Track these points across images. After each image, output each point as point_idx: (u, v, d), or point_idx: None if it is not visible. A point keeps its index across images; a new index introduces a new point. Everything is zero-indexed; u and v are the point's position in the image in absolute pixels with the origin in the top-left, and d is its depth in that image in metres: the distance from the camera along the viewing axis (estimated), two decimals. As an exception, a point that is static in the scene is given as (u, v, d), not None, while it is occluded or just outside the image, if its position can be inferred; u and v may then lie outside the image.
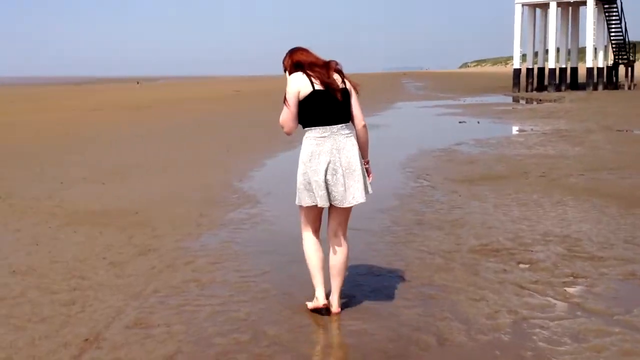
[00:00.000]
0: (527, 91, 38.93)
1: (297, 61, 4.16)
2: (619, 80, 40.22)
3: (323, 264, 4.31)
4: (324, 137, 4.05)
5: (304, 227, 4.33)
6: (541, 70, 41.27)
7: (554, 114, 21.70)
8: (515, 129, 17.78)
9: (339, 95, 4.08)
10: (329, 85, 4.06)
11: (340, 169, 4.04)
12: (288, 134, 4.25)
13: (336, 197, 4.07)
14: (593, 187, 8.54)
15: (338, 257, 4.27)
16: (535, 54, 41.06)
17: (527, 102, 30.61)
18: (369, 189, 4.25)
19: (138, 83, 77.17)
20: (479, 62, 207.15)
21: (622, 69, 40.42)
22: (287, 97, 4.11)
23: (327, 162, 4.03)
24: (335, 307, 4.28)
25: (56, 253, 5.73)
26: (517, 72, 40.06)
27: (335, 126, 4.07)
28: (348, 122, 4.18)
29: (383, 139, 15.52)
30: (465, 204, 7.75)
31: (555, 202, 7.71)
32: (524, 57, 40.66)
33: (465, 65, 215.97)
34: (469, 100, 32.16)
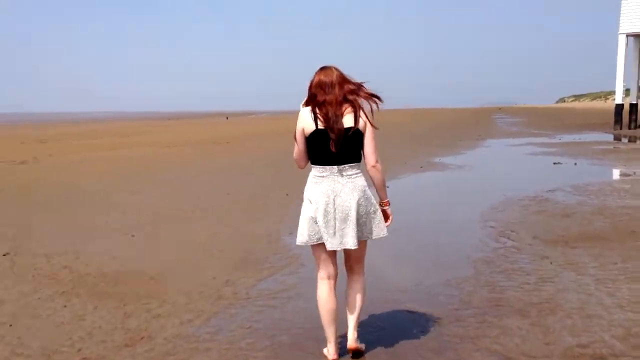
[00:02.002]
0: (629, 129, 35.87)
1: (314, 93, 3.99)
2: None
3: (336, 317, 4.13)
4: (323, 176, 4.02)
5: (317, 271, 4.22)
6: (646, 106, 38.05)
7: (663, 155, 19.28)
8: (618, 173, 15.65)
9: (339, 139, 3.91)
10: (332, 124, 3.90)
11: (332, 211, 3.96)
12: (301, 169, 4.23)
13: (327, 239, 3.98)
14: None
15: (352, 293, 4.20)
16: (640, 89, 37.94)
17: (630, 141, 27.92)
18: (382, 232, 4.13)
19: (227, 118, 78.41)
20: (577, 97, 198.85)
21: None
22: (296, 133, 4.06)
23: (324, 202, 3.97)
24: (350, 342, 4.16)
25: (26, 339, 4.62)
26: (619, 107, 37.03)
27: (335, 167, 3.99)
28: (355, 162, 4.04)
29: (465, 182, 13.92)
30: (558, 276, 6.13)
31: (678, 278, 5.95)
32: (627, 91, 37.64)
33: (562, 100, 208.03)
34: (566, 137, 29.75)
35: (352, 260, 4.19)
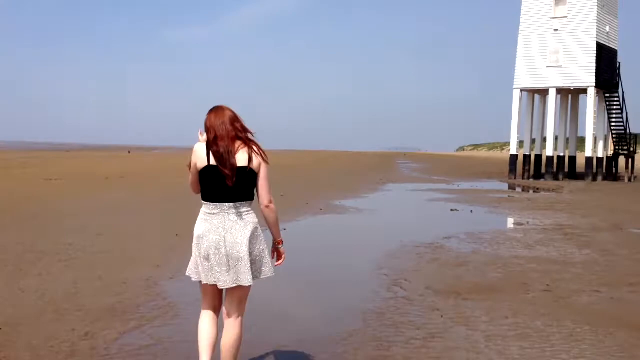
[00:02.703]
0: (523, 178, 37.48)
1: (207, 129, 4.02)
2: (619, 171, 38.81)
3: (213, 344, 4.12)
4: (214, 214, 3.99)
5: (202, 303, 4.21)
6: (538, 157, 39.92)
7: (554, 205, 19.95)
8: (512, 222, 15.95)
9: (233, 175, 3.91)
10: (225, 160, 3.90)
11: (224, 248, 3.94)
12: (197, 193, 4.18)
13: (219, 277, 3.95)
14: (614, 312, 6.62)
15: (228, 337, 4.07)
16: (533, 141, 39.80)
17: (523, 190, 29.01)
18: (270, 272, 4.12)
19: (129, 152, 76.06)
20: (475, 146, 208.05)
21: (622, 160, 39.05)
22: (190, 164, 4.08)
23: (214, 240, 3.95)
24: None
25: None
26: (513, 158, 38.68)
27: (227, 204, 3.97)
28: (246, 200, 4.03)
29: (363, 227, 13.70)
30: (448, 331, 5.81)
31: (567, 335, 5.76)
32: (521, 143, 39.40)
33: (462, 148, 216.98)
34: (464, 185, 30.55)
35: (230, 303, 4.10)
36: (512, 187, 31.19)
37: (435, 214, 16.92)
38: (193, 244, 4.08)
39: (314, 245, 11.04)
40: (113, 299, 6.58)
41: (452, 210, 17.41)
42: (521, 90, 37.62)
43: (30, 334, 5.31)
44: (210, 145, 3.94)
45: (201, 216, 4.06)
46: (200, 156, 3.99)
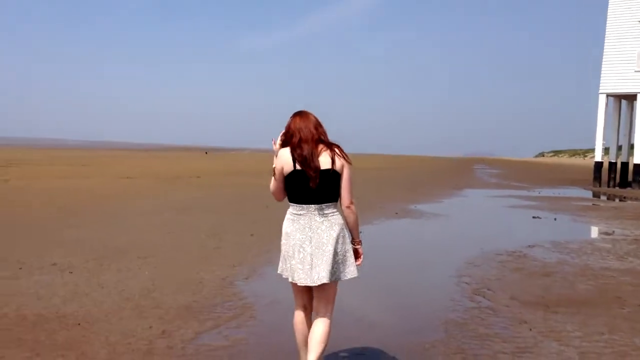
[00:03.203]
0: (608, 186, 35.76)
1: (290, 135, 4.08)
2: None
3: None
4: (300, 214, 4.06)
5: (294, 302, 4.30)
6: (625, 165, 38.04)
7: (644, 215, 18.85)
8: (599, 231, 15.11)
9: (316, 177, 3.97)
10: (308, 162, 3.97)
11: (309, 247, 4.00)
12: (279, 201, 4.28)
13: (300, 275, 4.01)
14: None
15: (314, 333, 4.05)
16: (619, 148, 37.99)
17: (609, 199, 27.64)
18: (354, 273, 4.11)
19: (206, 153, 77.64)
20: (556, 152, 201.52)
21: None
22: (275, 170, 4.10)
23: (300, 239, 4.03)
24: None
25: None
26: (598, 165, 36.99)
27: (312, 206, 4.03)
28: (331, 201, 4.08)
29: (440, 233, 13.29)
30: (538, 345, 5.43)
31: (672, 355, 5.29)
32: (606, 150, 37.67)
33: (541, 154, 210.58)
34: (545, 192, 29.44)
35: (321, 302, 4.13)
36: (596, 195, 29.80)
37: (516, 220, 16.26)
38: (282, 242, 4.16)
39: (390, 250, 10.74)
40: (190, 297, 6.54)
41: (534, 217, 16.70)
42: (607, 95, 35.95)
43: (108, 330, 5.30)
44: (294, 148, 4.01)
45: (288, 216, 4.14)
46: (287, 161, 4.03)
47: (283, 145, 4.13)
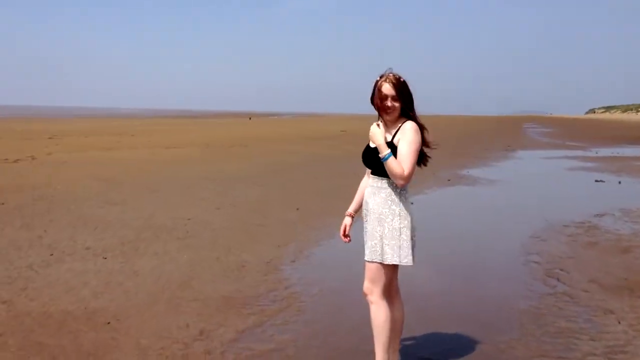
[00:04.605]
0: (670, 143, 33.96)
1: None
2: None
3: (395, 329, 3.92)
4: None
5: (396, 287, 4.02)
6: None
7: None
8: (670, 195, 14.00)
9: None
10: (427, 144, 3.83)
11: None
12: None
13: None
14: None
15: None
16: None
17: (673, 158, 26.08)
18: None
19: (250, 118, 77.34)
20: (607, 108, 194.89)
21: None
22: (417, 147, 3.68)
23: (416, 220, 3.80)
24: None
25: None
26: (659, 121, 35.05)
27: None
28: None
29: (497, 202, 12.41)
30: (632, 343, 4.66)
31: None
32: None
33: (592, 111, 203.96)
34: (603, 151, 27.98)
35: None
36: (658, 154, 28.23)
37: (577, 185, 15.22)
38: (404, 227, 3.70)
39: (444, 223, 9.95)
40: (231, 286, 5.95)
41: (596, 181, 15.61)
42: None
43: (140, 329, 4.74)
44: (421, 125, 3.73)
45: (407, 196, 3.77)
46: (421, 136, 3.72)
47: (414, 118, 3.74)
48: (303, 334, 4.75)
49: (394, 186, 3.72)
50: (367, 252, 3.75)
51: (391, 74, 3.70)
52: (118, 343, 4.48)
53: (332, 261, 7.15)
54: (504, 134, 44.07)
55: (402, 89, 3.67)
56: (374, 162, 3.72)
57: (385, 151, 3.58)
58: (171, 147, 22.77)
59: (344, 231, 4.02)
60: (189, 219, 9.18)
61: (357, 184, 4.05)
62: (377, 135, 3.62)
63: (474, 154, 23.63)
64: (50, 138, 25.93)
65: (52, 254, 6.93)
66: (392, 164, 3.56)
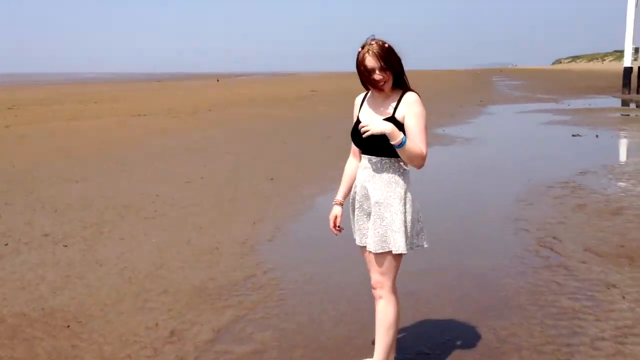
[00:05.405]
0: (637, 93, 33.97)
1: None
2: None
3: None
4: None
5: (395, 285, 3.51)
6: (657, 68, 36.03)
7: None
8: (649, 148, 13.81)
9: None
10: None
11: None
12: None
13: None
14: None
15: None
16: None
17: (642, 107, 26.06)
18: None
19: (218, 80, 75.94)
20: (573, 58, 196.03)
21: None
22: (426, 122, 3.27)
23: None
24: None
25: None
26: (628, 70, 34.99)
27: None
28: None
29: (477, 162, 12.06)
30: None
31: None
32: (636, 51, 35.58)
33: (558, 61, 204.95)
34: (574, 103, 27.87)
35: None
36: (625, 104, 28.21)
37: (555, 141, 14.92)
38: (413, 213, 3.36)
39: (426, 189, 9.51)
40: (204, 273, 5.47)
41: (573, 135, 15.37)
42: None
43: (103, 333, 4.25)
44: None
45: (410, 175, 3.40)
46: None
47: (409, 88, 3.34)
48: (286, 330, 4.31)
49: (395, 166, 3.29)
50: (370, 242, 3.28)
51: (373, 42, 3.18)
52: (79, 351, 3.98)
53: (312, 239, 6.70)
54: (475, 89, 43.78)
55: (387, 56, 3.17)
56: (369, 141, 3.23)
57: (398, 136, 3.08)
58: (137, 115, 21.93)
59: (334, 222, 3.55)
60: (157, 196, 8.63)
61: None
62: (381, 124, 3.11)
63: (447, 111, 23.21)
64: (9, 108, 24.82)
65: (6, 244, 6.36)
66: (410, 147, 3.11)
